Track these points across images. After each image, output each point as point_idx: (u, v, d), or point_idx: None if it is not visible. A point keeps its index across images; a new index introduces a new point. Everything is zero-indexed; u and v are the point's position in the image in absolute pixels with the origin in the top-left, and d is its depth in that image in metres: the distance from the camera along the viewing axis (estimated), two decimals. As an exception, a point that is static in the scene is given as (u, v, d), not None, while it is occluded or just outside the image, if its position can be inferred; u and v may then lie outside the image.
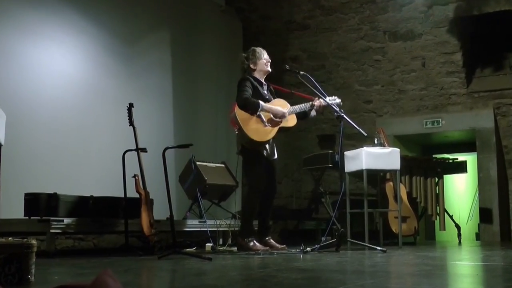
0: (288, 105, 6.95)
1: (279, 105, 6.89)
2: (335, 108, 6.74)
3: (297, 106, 6.95)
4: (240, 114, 6.71)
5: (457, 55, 10.45)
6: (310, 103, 7.01)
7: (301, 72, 6.97)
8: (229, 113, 6.89)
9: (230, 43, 11.30)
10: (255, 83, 6.89)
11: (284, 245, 6.95)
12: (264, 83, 7.05)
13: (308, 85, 6.92)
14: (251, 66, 6.98)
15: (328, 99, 6.95)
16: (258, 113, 6.68)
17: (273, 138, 6.88)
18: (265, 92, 6.98)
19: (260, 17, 12.06)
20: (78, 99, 8.03)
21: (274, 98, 7.02)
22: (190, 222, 7.88)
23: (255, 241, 6.75)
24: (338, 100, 7.03)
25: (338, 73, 11.31)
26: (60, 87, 7.82)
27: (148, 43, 9.39)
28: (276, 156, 7.00)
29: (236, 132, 6.83)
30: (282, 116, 6.78)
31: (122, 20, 8.93)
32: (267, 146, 6.84)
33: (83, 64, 8.25)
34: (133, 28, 9.15)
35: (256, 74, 6.99)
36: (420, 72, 10.69)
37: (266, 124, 6.73)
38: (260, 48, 7.06)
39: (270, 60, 7.06)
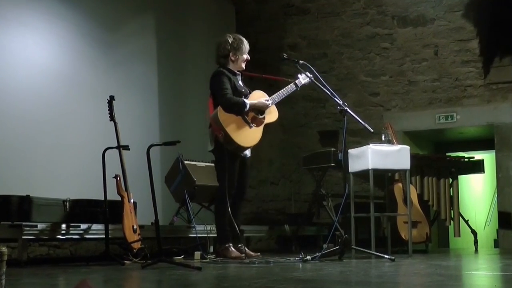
0: (266, 96, 7.06)
1: (259, 97, 7.06)
2: (339, 101, 6.73)
3: (275, 95, 7.05)
4: (224, 118, 6.75)
5: (473, 42, 10.46)
6: (290, 86, 7.14)
7: (301, 62, 6.98)
8: (208, 114, 6.92)
9: (221, 29, 11.27)
10: (230, 75, 7.00)
11: (259, 253, 7.02)
12: (238, 73, 7.18)
13: (308, 76, 6.94)
14: (231, 56, 7.07)
15: (301, 78, 7.18)
16: (245, 110, 6.76)
17: None
18: (240, 84, 7.12)
19: (255, 0, 12.06)
20: (53, 91, 8.01)
21: (249, 89, 7.11)
22: (177, 227, 7.88)
23: (232, 248, 6.86)
24: (308, 77, 7.21)
25: (341, 63, 11.31)
26: (33, 77, 7.80)
27: (130, 29, 9.38)
28: (249, 155, 7.11)
29: (221, 138, 6.81)
30: (267, 107, 6.94)
31: (102, 4, 8.91)
32: None
33: (58, 52, 8.23)
34: (114, 13, 9.13)
35: (231, 66, 7.10)
36: (432, 62, 10.70)
37: (251, 125, 6.81)
38: (246, 42, 7.19)
39: (249, 59, 7.20)
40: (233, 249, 6.86)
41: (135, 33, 9.44)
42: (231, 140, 6.72)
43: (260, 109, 6.91)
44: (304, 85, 7.23)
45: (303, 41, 11.65)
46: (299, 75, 7.20)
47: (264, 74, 7.78)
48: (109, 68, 8.85)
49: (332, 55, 11.38)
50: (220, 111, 6.77)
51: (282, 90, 7.12)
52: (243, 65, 7.16)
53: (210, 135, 7.00)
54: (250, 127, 6.82)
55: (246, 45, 7.14)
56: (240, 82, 7.13)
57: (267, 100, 6.98)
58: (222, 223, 6.97)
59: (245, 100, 6.82)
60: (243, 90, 7.03)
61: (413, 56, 10.83)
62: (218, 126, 6.75)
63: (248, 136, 6.81)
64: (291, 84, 7.16)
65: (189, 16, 10.48)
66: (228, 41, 7.09)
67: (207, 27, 10.88)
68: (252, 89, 7.19)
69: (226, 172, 6.90)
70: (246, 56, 7.14)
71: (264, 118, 6.94)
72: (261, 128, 6.91)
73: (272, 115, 7.05)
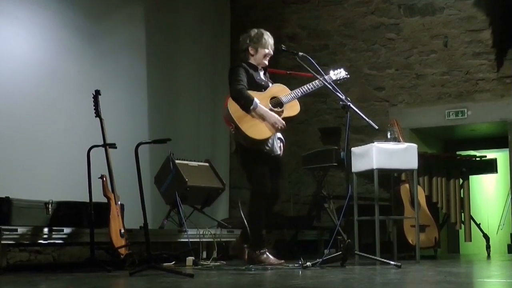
0: (287, 90, 7.03)
1: (278, 91, 7.01)
2: (341, 96, 6.73)
3: (298, 89, 7.01)
4: (234, 110, 6.77)
5: (486, 33, 10.47)
6: (315, 83, 7.06)
7: (300, 53, 6.98)
8: (224, 107, 6.93)
9: (215, 19, 11.29)
10: (250, 70, 6.99)
11: (283, 261, 7.00)
12: (260, 68, 7.13)
13: (309, 69, 6.93)
14: (250, 50, 7.08)
15: (332, 74, 7.08)
16: (250, 111, 6.74)
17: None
18: (261, 77, 7.11)
19: (251, -12, 12.07)
20: (34, 85, 8.01)
21: (270, 83, 7.11)
22: (168, 231, 7.88)
23: (268, 253, 6.88)
24: (343, 73, 7.18)
25: (344, 55, 11.32)
26: (13, 70, 7.80)
27: (118, 19, 9.37)
28: (280, 152, 7.09)
29: (232, 132, 6.88)
30: (274, 124, 6.82)
31: (87, -8, 8.93)
32: (269, 140, 6.93)
33: (40, 43, 8.23)
34: (100, 1, 9.13)
35: (252, 60, 7.10)
36: (441, 53, 10.71)
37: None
38: (269, 36, 7.15)
39: (272, 53, 7.17)
40: (269, 255, 6.86)
41: (123, 23, 9.43)
42: (241, 131, 6.72)
43: (268, 120, 6.84)
44: (338, 82, 7.18)
45: (303, 31, 11.65)
46: (331, 71, 7.18)
47: (288, 71, 7.75)
48: (95, 60, 8.84)
49: (334, 47, 11.38)
50: (230, 102, 6.80)
51: (307, 85, 7.07)
52: (265, 61, 7.11)
53: (231, 137, 7.06)
54: (263, 120, 6.82)
55: (268, 40, 7.08)
56: (262, 76, 7.12)
57: (281, 107, 6.92)
58: (258, 226, 6.95)
59: (256, 100, 6.80)
60: (263, 83, 7.04)
61: (421, 47, 10.84)
62: (228, 118, 6.79)
63: (260, 129, 6.77)
64: (317, 80, 7.12)
65: (180, 5, 10.47)
66: (249, 35, 7.13)
67: (200, 17, 10.88)
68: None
69: (255, 173, 6.94)
70: (267, 50, 7.07)
71: (282, 111, 6.90)
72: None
73: (293, 109, 6.99)
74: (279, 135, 7.14)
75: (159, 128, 9.49)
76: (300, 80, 7.51)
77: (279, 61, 10.76)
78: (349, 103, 6.61)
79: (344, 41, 11.34)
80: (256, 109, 6.75)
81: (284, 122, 6.86)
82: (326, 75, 7.12)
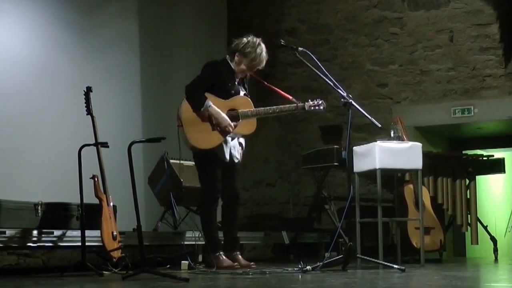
0: (251, 105, 7.05)
1: (240, 104, 7.07)
2: (342, 93, 6.73)
3: (262, 109, 7.03)
4: (185, 109, 6.94)
5: (493, 27, 10.46)
6: (275, 108, 7.08)
7: (300, 49, 6.97)
8: None
9: (211, 13, 11.27)
10: (224, 71, 7.09)
11: (252, 263, 7.02)
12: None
13: (308, 65, 6.93)
14: (236, 56, 7.13)
15: (308, 104, 7.11)
16: (200, 111, 6.84)
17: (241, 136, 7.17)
18: (235, 83, 7.15)
19: (249, -20, 12.07)
20: (23, 82, 7.99)
21: (244, 92, 7.19)
22: (162, 234, 7.87)
23: (223, 256, 6.93)
24: (322, 107, 7.16)
25: (345, 50, 11.31)
26: (1, 66, 7.78)
27: (110, 13, 9.36)
28: (237, 160, 7.18)
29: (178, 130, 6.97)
30: (224, 128, 6.90)
31: (78, -16, 8.92)
32: (224, 147, 7.00)
33: (29, 37, 8.22)
34: (92, -6, 9.14)
35: (233, 65, 7.15)
36: (447, 49, 10.70)
37: (215, 128, 6.84)
38: (263, 54, 7.11)
39: (253, 70, 7.18)
40: (224, 257, 6.89)
41: (115, 17, 9.42)
42: (184, 133, 6.88)
43: (218, 123, 6.87)
44: (312, 110, 7.23)
45: (303, 25, 11.64)
46: (310, 100, 7.18)
47: (268, 83, 7.74)
48: (86, 56, 8.83)
49: (335, 42, 11.37)
50: (184, 102, 6.96)
51: (274, 107, 7.10)
52: (241, 73, 7.14)
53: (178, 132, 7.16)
54: (213, 129, 6.86)
55: (257, 59, 7.05)
56: (236, 83, 7.15)
57: (236, 121, 6.95)
58: (209, 229, 7.00)
59: (209, 102, 6.84)
60: (233, 91, 7.07)
61: (425, 42, 10.83)
62: (178, 115, 6.94)
63: (203, 137, 6.89)
64: (292, 105, 7.13)
65: (176, -1, 10.48)
66: (243, 41, 7.10)
67: (196, 10, 10.86)
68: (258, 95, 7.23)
69: (204, 175, 7.09)
70: (248, 64, 7.06)
71: (235, 126, 6.95)
72: (222, 135, 6.92)
73: (247, 127, 7.08)
74: (241, 140, 7.18)
75: (153, 126, 9.47)
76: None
77: (278, 57, 10.76)
78: (350, 101, 6.61)
79: (346, 36, 11.33)
80: (209, 109, 6.82)
81: (233, 127, 6.90)
82: (301, 103, 7.15)
